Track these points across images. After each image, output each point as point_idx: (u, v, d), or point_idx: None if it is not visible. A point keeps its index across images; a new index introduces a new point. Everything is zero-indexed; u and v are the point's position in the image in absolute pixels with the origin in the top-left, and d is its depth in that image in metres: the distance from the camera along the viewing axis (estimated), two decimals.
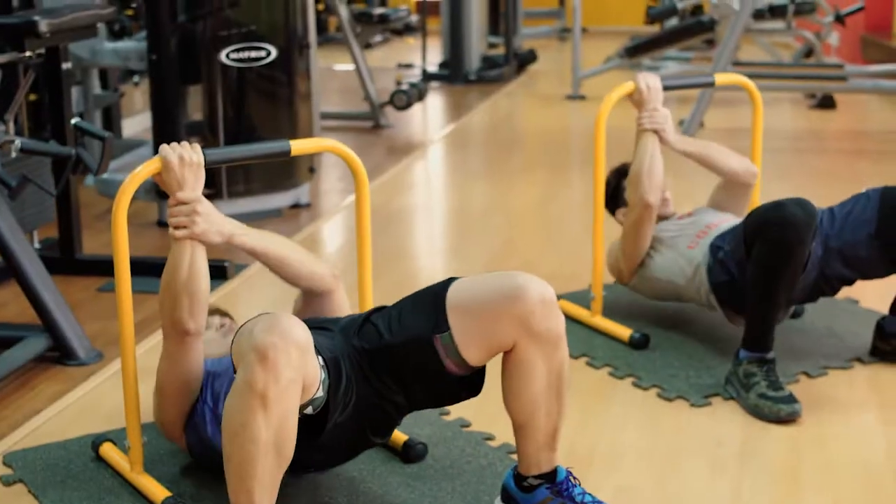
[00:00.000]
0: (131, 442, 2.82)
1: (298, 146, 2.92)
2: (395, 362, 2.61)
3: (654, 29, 13.40)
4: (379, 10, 8.52)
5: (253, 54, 5.39)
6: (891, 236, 3.56)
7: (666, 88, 3.92)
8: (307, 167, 5.85)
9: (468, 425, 3.22)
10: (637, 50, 9.31)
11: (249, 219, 5.38)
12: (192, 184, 2.71)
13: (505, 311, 2.51)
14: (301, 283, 2.94)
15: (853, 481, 2.94)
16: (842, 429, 3.24)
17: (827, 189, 5.63)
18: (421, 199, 6.29)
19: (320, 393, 2.45)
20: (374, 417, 2.67)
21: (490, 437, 3.14)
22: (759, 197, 4.03)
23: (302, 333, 2.32)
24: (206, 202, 2.72)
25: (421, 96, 8.17)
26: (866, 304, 4.18)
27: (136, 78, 8.43)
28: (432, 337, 2.56)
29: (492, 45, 11.76)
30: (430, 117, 9.02)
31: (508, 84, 10.49)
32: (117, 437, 3.05)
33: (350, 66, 8.32)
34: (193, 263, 2.68)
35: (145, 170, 2.71)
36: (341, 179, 6.56)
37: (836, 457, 3.07)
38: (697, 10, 11.28)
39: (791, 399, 3.26)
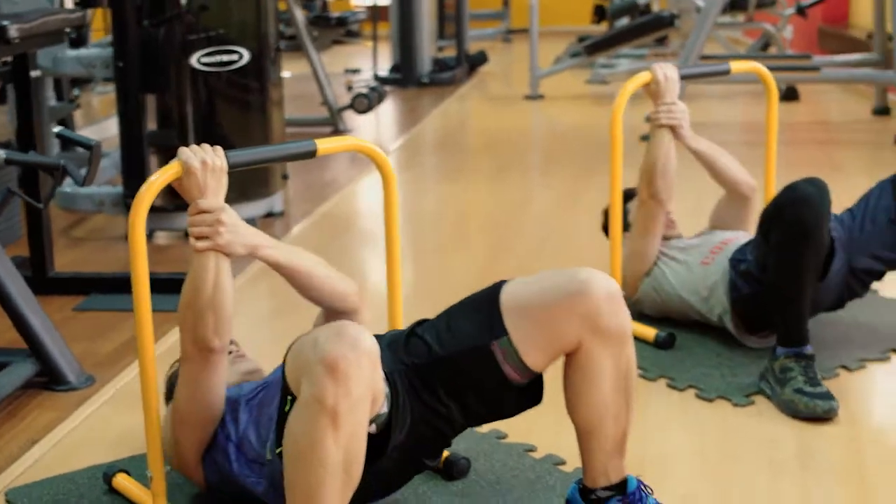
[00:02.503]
0: (153, 472, 2.56)
1: (325, 146, 2.69)
2: (450, 374, 2.40)
3: (602, 28, 13.34)
4: (337, 14, 8.29)
5: (225, 58, 5.14)
6: None
7: (682, 78, 3.76)
8: (281, 174, 5.63)
9: (504, 437, 3.02)
10: (597, 47, 9.16)
11: None
12: (214, 190, 2.49)
13: (569, 308, 2.32)
14: (326, 301, 2.69)
15: None
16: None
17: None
18: (398, 206, 6.03)
19: (385, 408, 2.25)
20: (428, 438, 2.47)
21: (531, 449, 2.94)
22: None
23: (371, 342, 2.10)
24: (230, 211, 2.49)
25: (381, 99, 7.97)
26: (885, 294, 4.04)
27: (76, 90, 8.13)
28: (490, 343, 2.36)
29: (438, 48, 11.61)
30: (389, 121, 8.81)
31: (461, 86, 10.32)
32: (130, 467, 2.82)
33: (290, 74, 8.10)
34: (219, 277, 2.46)
35: (163, 176, 2.48)
36: (310, 188, 6.32)
37: None
38: (647, 8, 11.19)
39: (829, 396, 3.09)
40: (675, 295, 3.68)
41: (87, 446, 3.09)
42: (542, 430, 3.05)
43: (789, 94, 8.65)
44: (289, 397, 2.23)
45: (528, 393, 2.45)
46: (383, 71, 10.52)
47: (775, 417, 3.11)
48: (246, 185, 5.34)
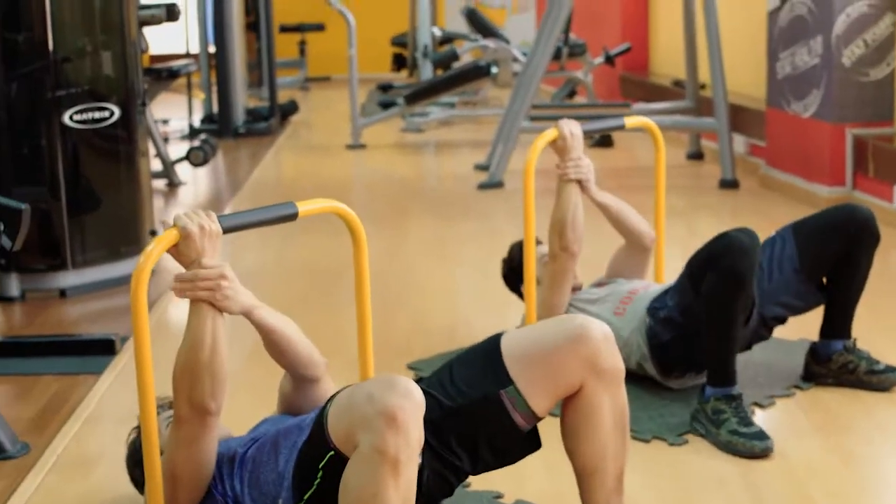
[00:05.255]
0: None
1: (304, 208, 2.78)
2: (462, 425, 2.53)
3: (402, 76, 13.57)
4: (167, 65, 8.24)
5: (97, 115, 5.12)
6: (813, 264, 3.71)
7: (584, 133, 3.94)
8: (149, 231, 5.60)
9: (468, 485, 3.12)
10: (417, 97, 9.35)
11: (98, 288, 5.15)
12: (210, 254, 2.55)
13: (570, 353, 2.50)
14: (297, 367, 2.75)
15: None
16: (824, 453, 3.33)
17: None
18: (265, 259, 6.02)
19: (419, 459, 2.34)
20: (437, 490, 2.57)
21: (499, 496, 3.06)
22: None
23: (419, 392, 2.23)
24: (230, 270, 2.55)
25: (214, 152, 7.97)
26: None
27: None
28: (498, 393, 2.50)
29: None
30: (217, 174, 8.78)
31: (278, 137, 10.35)
32: None
33: None
34: (216, 339, 2.52)
35: (162, 244, 2.53)
36: None
37: (838, 481, 3.16)
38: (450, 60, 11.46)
39: (763, 435, 3.31)
40: None
41: None
42: (503, 476, 3.16)
43: (604, 141, 9.02)
44: (330, 454, 2.30)
45: (531, 439, 2.57)
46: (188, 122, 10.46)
47: (713, 455, 3.31)
48: (116, 243, 5.32)
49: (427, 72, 11.48)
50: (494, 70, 9.08)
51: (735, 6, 8.37)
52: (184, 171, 8.34)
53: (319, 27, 14.51)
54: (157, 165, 7.97)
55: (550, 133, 3.89)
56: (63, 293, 5.12)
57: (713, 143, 8.11)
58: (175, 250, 2.55)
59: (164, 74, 7.95)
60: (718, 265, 3.38)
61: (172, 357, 2.69)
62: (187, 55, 10.13)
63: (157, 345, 2.57)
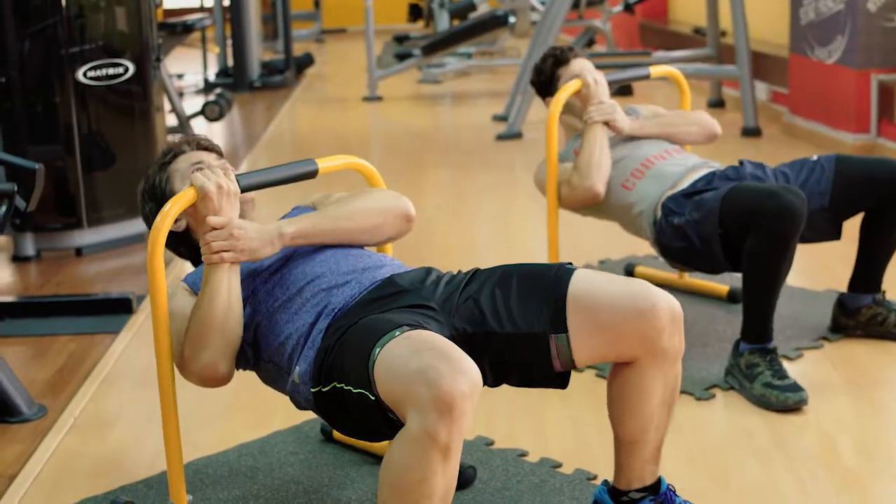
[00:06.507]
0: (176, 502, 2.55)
1: (324, 165, 2.72)
2: (500, 351, 2.42)
3: (418, 27, 13.46)
4: (181, 19, 8.16)
5: (111, 71, 5.05)
6: (841, 209, 3.61)
7: (608, 83, 3.88)
8: None
9: (492, 443, 3.08)
10: (433, 48, 9.25)
11: (114, 246, 5.11)
12: (227, 213, 2.50)
13: (634, 327, 2.36)
14: (377, 243, 2.76)
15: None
16: (854, 406, 3.27)
17: None
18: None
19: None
20: None
21: (523, 454, 3.01)
22: None
23: (478, 373, 2.09)
24: (239, 221, 2.50)
25: (230, 106, 7.90)
26: (792, 284, 4.24)
27: None
28: (548, 336, 2.39)
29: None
30: (234, 128, 8.71)
31: (293, 90, 10.27)
32: (134, 497, 2.77)
33: None
34: (231, 298, 2.47)
35: (179, 202, 2.47)
36: None
37: (868, 435, 3.11)
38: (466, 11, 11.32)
39: (797, 387, 3.24)
40: (605, 214, 3.89)
41: (67, 479, 3.01)
42: (526, 434, 3.12)
43: (622, 90, 8.91)
44: (368, 395, 2.18)
45: (559, 377, 2.48)
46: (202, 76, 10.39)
47: (740, 410, 3.26)
48: (132, 199, 5.22)
49: (444, 22, 11.38)
50: (512, 19, 8.96)
51: None
52: (199, 125, 8.29)
53: None
54: (172, 121, 7.91)
55: (574, 84, 3.84)
56: (79, 252, 5.08)
57: (734, 90, 8.00)
58: (193, 210, 2.50)
59: (178, 29, 7.87)
60: (765, 227, 3.25)
61: None
62: (201, 9, 10.05)
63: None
